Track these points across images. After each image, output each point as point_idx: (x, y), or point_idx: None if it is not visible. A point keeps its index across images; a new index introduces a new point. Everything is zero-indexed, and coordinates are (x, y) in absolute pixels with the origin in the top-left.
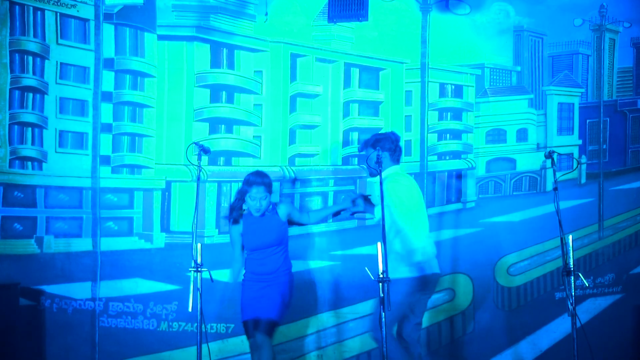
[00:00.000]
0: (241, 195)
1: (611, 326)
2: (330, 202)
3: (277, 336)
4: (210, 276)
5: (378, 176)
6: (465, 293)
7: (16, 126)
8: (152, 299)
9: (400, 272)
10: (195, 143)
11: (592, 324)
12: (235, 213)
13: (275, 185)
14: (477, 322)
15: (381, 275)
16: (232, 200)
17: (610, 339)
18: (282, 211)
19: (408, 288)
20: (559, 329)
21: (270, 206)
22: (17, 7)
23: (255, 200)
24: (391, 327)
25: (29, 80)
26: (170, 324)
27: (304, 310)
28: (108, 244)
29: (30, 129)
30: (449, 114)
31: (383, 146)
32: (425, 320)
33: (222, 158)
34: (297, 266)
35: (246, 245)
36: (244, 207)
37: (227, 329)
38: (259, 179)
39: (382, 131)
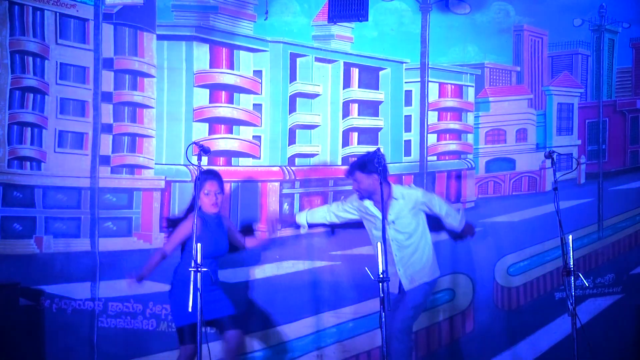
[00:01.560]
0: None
1: (611, 326)
2: (331, 201)
3: (278, 336)
4: (211, 276)
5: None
6: (465, 293)
7: (16, 126)
8: (151, 299)
9: (436, 273)
10: (195, 143)
11: (592, 324)
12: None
13: (276, 186)
14: (477, 322)
15: (381, 275)
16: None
17: (610, 339)
18: (226, 222)
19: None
20: (559, 329)
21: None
22: (16, 7)
23: (210, 195)
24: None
25: (30, 81)
26: (170, 324)
27: (304, 310)
28: (107, 244)
29: (30, 129)
30: (448, 114)
31: (371, 169)
32: (425, 320)
33: (221, 158)
34: (297, 266)
35: (203, 252)
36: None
37: None
38: (210, 174)
39: (381, 131)
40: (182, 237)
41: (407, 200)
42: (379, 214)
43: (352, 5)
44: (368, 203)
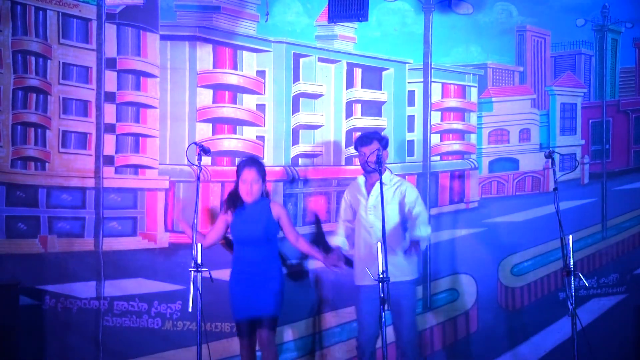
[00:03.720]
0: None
1: (615, 326)
2: (334, 202)
3: (281, 336)
4: (210, 276)
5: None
6: (468, 293)
7: (19, 126)
8: (156, 298)
9: (416, 273)
10: (195, 143)
11: (596, 324)
12: (233, 199)
13: (279, 186)
14: (481, 322)
15: (381, 275)
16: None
17: (613, 338)
18: (275, 209)
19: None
20: (562, 329)
21: (264, 199)
22: (18, 6)
23: (246, 183)
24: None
25: (33, 81)
26: (175, 323)
27: (306, 310)
28: (112, 243)
29: (33, 129)
30: (451, 114)
31: (386, 144)
32: (429, 320)
33: (225, 158)
34: (299, 266)
35: (234, 236)
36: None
37: (232, 328)
38: (249, 161)
39: (384, 132)
40: (215, 228)
41: (392, 188)
42: (365, 195)
43: (352, 5)
44: (361, 180)
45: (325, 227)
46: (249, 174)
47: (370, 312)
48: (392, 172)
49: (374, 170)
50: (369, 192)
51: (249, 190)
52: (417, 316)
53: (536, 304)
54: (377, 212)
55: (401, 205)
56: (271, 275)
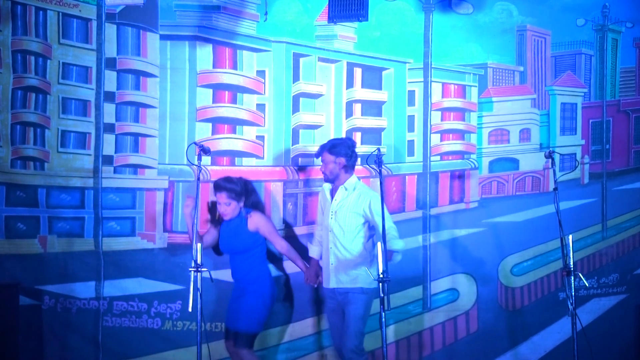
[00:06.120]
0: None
1: (615, 326)
2: None
3: (281, 336)
4: (210, 276)
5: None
6: (468, 293)
7: (18, 126)
8: (156, 298)
9: (372, 284)
10: (195, 143)
11: (596, 324)
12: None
13: (279, 186)
14: (481, 322)
15: (381, 275)
16: None
17: (614, 338)
18: (252, 222)
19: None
20: (562, 329)
21: (244, 213)
22: (18, 6)
23: (220, 205)
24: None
25: (32, 80)
26: (175, 323)
27: (307, 309)
28: (111, 243)
29: (32, 128)
30: (451, 114)
31: (339, 152)
32: (429, 320)
33: (225, 158)
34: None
35: (220, 249)
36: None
37: None
38: (222, 183)
39: (385, 131)
40: (209, 232)
41: (355, 195)
42: (329, 199)
43: (352, 5)
44: (326, 187)
45: None
46: (220, 198)
47: (329, 312)
48: (358, 179)
49: (329, 180)
50: (332, 197)
51: (222, 211)
52: (416, 316)
53: (536, 303)
54: (337, 217)
55: (365, 214)
56: (250, 289)
